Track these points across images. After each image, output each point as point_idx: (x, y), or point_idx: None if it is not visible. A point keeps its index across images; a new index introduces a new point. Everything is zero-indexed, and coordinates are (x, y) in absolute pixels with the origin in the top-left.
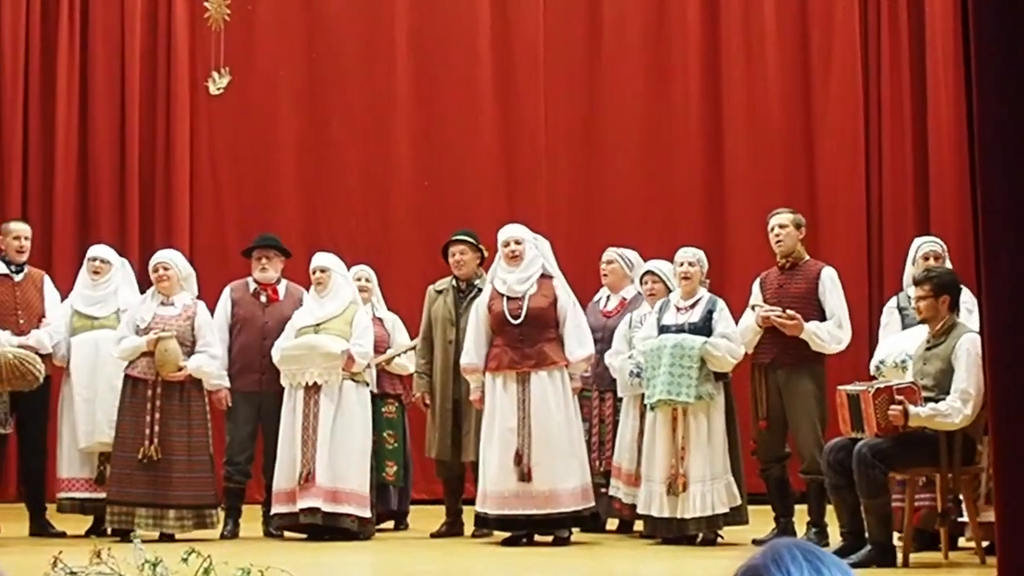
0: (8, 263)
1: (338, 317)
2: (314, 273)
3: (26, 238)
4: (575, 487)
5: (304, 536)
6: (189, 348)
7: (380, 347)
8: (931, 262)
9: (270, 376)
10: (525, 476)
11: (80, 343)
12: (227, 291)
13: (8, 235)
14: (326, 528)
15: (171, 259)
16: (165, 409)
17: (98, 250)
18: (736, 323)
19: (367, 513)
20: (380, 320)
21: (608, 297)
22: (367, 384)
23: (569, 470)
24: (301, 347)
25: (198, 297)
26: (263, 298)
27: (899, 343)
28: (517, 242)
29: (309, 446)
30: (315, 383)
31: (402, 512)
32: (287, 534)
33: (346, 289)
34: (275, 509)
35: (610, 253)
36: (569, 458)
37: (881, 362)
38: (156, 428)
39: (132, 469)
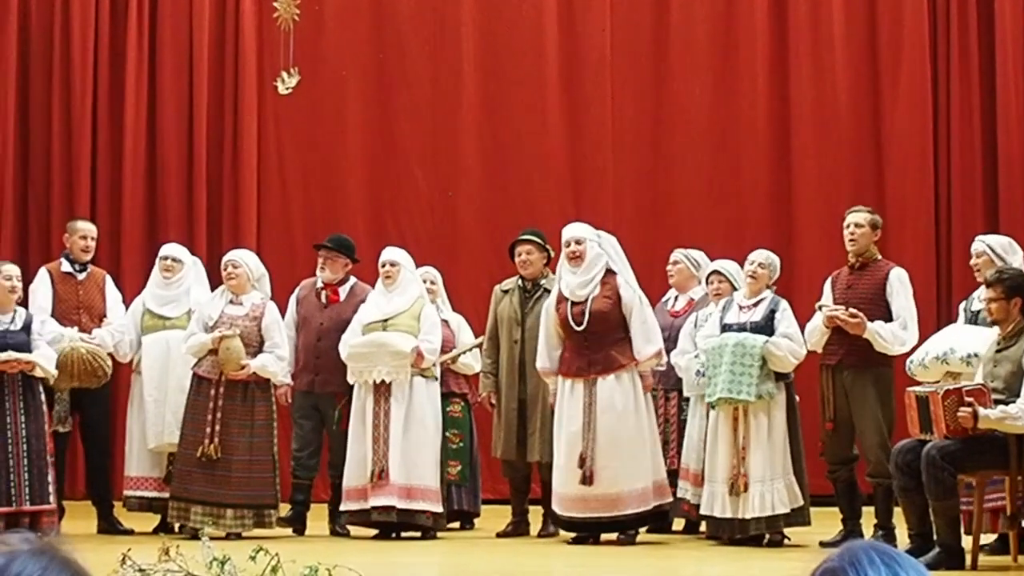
0: (72, 262)
1: (406, 312)
2: (383, 267)
3: (92, 238)
4: (644, 488)
5: (372, 534)
6: (256, 348)
7: (445, 348)
8: (974, 260)
9: (324, 377)
10: (587, 480)
11: (151, 343)
12: (297, 289)
13: (74, 234)
14: (395, 524)
15: (241, 258)
16: (227, 409)
17: (169, 249)
18: (801, 324)
19: (440, 508)
20: (446, 321)
21: (676, 297)
22: (436, 379)
23: (638, 471)
24: (369, 344)
25: (271, 299)
26: (323, 298)
27: (966, 337)
28: (577, 242)
29: (380, 444)
30: (383, 380)
31: (468, 512)
32: (354, 532)
33: (414, 285)
34: (346, 506)
35: (676, 254)
36: (638, 459)
37: (951, 350)
38: (217, 427)
39: (192, 467)
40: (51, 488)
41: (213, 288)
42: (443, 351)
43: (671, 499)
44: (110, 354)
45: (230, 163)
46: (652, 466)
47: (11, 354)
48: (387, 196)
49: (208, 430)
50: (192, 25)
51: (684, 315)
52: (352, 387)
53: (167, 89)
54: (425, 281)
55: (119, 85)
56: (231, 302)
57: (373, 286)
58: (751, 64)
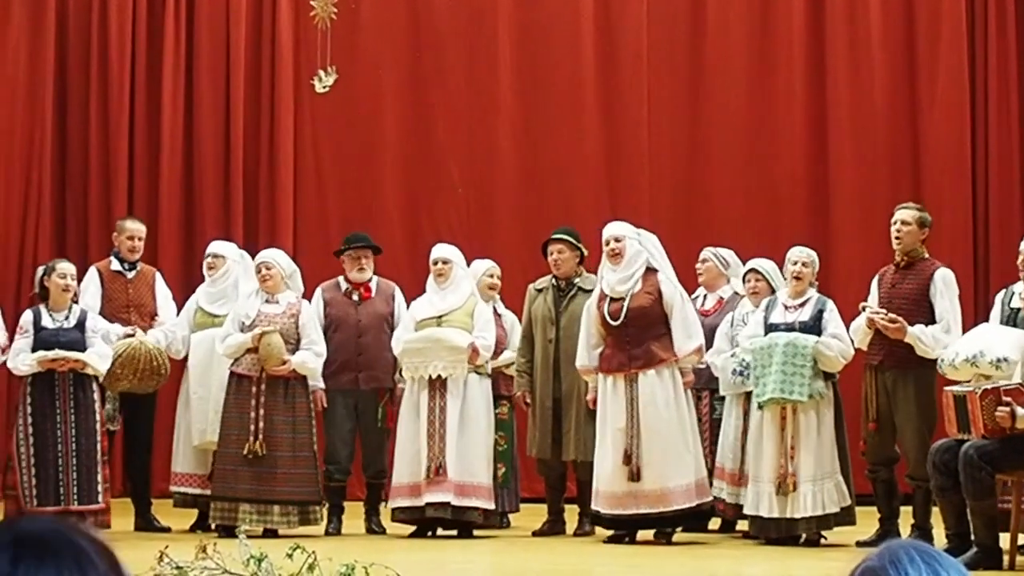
0: (122, 261)
1: (459, 309)
2: (435, 264)
3: (140, 238)
4: (688, 483)
5: (408, 532)
6: (294, 346)
7: (499, 346)
8: (1023, 257)
9: (367, 374)
10: (635, 476)
11: (198, 340)
12: (318, 292)
13: (122, 233)
14: (432, 522)
15: (273, 258)
16: (269, 405)
17: (212, 246)
18: (844, 322)
19: (492, 505)
20: (500, 318)
21: (705, 296)
22: (488, 376)
23: (681, 467)
24: (425, 340)
25: (304, 295)
26: (355, 296)
27: (997, 340)
28: (617, 239)
29: (436, 440)
30: (439, 376)
31: (505, 511)
32: (389, 530)
33: (466, 282)
34: (397, 503)
35: (705, 252)
36: (682, 454)
37: (981, 353)
38: (261, 424)
39: (237, 465)
40: (100, 487)
41: None
42: (496, 350)
43: (711, 499)
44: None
45: (266, 162)
46: (695, 463)
47: (59, 352)
48: (423, 194)
49: (252, 427)
50: (229, 24)
51: (714, 314)
52: (392, 385)
53: (204, 88)
54: (491, 276)
55: (156, 84)
56: (266, 301)
57: (399, 284)
58: (788, 63)
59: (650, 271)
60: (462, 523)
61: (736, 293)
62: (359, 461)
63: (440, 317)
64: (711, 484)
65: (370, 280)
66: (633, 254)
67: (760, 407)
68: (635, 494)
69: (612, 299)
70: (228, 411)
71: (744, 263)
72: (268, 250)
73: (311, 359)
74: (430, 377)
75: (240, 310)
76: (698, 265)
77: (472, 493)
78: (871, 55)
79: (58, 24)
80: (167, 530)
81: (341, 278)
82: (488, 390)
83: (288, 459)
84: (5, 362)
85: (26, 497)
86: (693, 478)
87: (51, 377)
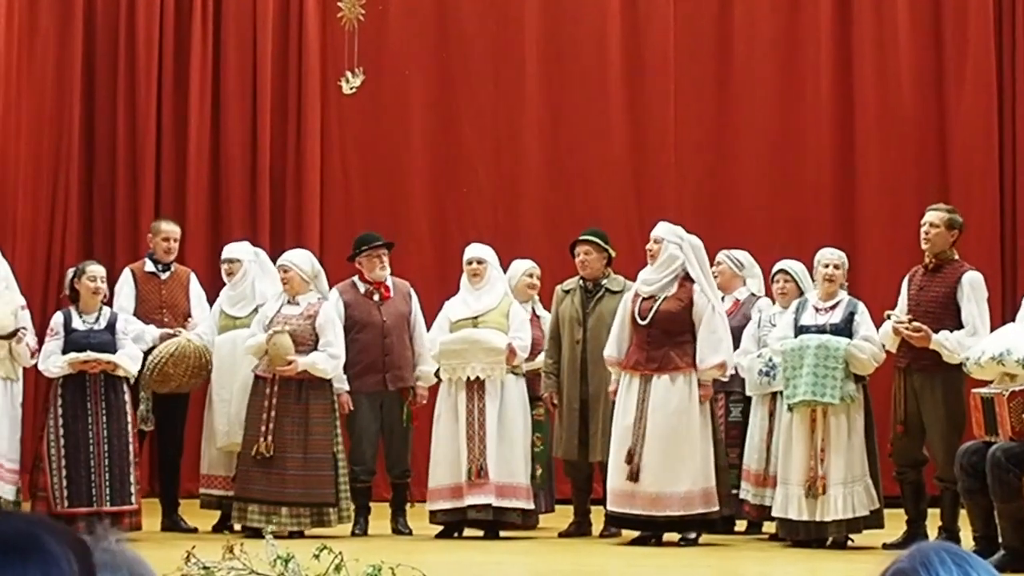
0: (156, 262)
1: (495, 310)
2: (470, 264)
3: (175, 239)
4: (688, 491)
5: (435, 533)
6: (310, 347)
7: (536, 347)
8: None
9: (393, 375)
10: (633, 476)
11: (221, 343)
12: (335, 294)
13: (158, 234)
14: (457, 523)
15: (291, 260)
16: (280, 407)
17: (226, 251)
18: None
19: (531, 505)
20: (539, 319)
21: (721, 298)
22: (523, 376)
23: (682, 474)
24: (462, 341)
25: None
26: (376, 297)
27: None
28: (656, 241)
29: (476, 442)
30: (477, 377)
31: (544, 513)
32: (416, 531)
33: (501, 282)
34: (437, 505)
35: (718, 256)
36: (684, 462)
37: (1007, 351)
38: (271, 425)
39: (250, 466)
40: (133, 488)
41: None
42: (534, 350)
43: (717, 508)
44: None
45: (293, 163)
46: (701, 472)
47: (90, 354)
48: (449, 195)
49: (263, 428)
50: (256, 26)
51: (731, 316)
52: (413, 384)
53: (231, 89)
54: (531, 276)
55: (183, 86)
56: (288, 302)
57: (412, 284)
58: (815, 63)
59: (688, 278)
60: (497, 524)
61: (752, 294)
62: (382, 461)
63: (476, 318)
64: (738, 487)
65: (386, 279)
66: (667, 258)
67: (790, 409)
68: (632, 494)
69: (644, 298)
70: (249, 412)
71: (761, 264)
72: (290, 251)
73: (322, 360)
74: (468, 378)
75: (264, 311)
76: (712, 269)
77: (512, 494)
78: (898, 55)
79: (85, 26)
80: (194, 531)
81: (356, 278)
82: (524, 391)
83: (298, 461)
84: (35, 364)
85: (56, 498)
86: (697, 487)
87: (82, 379)
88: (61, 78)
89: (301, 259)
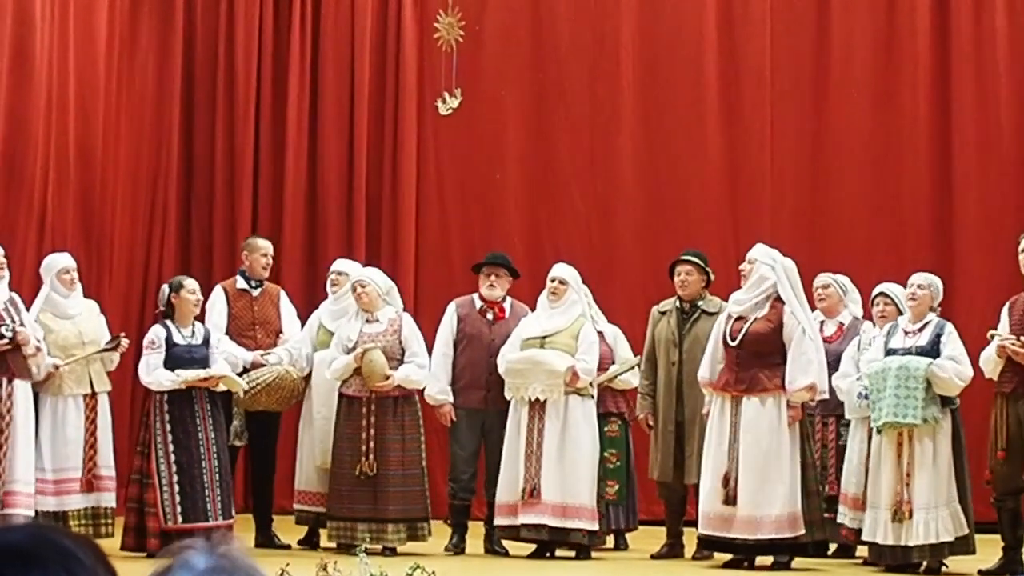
0: (248, 279)
1: (565, 331)
2: (551, 282)
3: (272, 255)
4: (780, 515)
5: (528, 552)
6: (398, 361)
7: (604, 363)
8: None
9: (495, 393)
10: (730, 499)
11: (321, 359)
12: (452, 307)
13: (255, 251)
14: (549, 542)
15: (367, 276)
16: (380, 425)
17: (336, 264)
18: (967, 347)
19: (595, 527)
20: (601, 334)
21: (823, 323)
22: (592, 397)
23: (774, 497)
24: (525, 361)
25: (405, 309)
26: (489, 316)
27: None
28: (749, 262)
29: (533, 461)
30: (538, 398)
31: (624, 530)
32: (512, 551)
33: (578, 304)
34: (497, 521)
35: (825, 278)
36: (775, 484)
37: None
38: (372, 444)
39: (352, 486)
40: (232, 503)
41: None
42: (601, 367)
43: (803, 532)
44: None
45: (390, 182)
46: (789, 495)
47: (210, 371)
48: (544, 215)
49: (363, 448)
50: (354, 46)
51: (838, 341)
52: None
53: (328, 109)
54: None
55: (281, 105)
56: (367, 321)
57: (525, 304)
58: (912, 85)
59: (778, 300)
60: (575, 545)
61: (856, 318)
62: (482, 480)
63: (544, 338)
64: (836, 511)
65: (503, 300)
66: (758, 279)
67: (878, 432)
68: (728, 518)
69: (735, 319)
70: (339, 432)
71: (859, 287)
72: (364, 269)
73: (414, 372)
74: (530, 399)
75: (343, 333)
76: (819, 291)
77: (575, 515)
78: (997, 77)
79: (185, 44)
80: (287, 547)
81: (475, 295)
82: (592, 411)
83: (399, 477)
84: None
85: (167, 515)
86: (786, 510)
87: (188, 394)
88: (161, 94)
89: (377, 275)
